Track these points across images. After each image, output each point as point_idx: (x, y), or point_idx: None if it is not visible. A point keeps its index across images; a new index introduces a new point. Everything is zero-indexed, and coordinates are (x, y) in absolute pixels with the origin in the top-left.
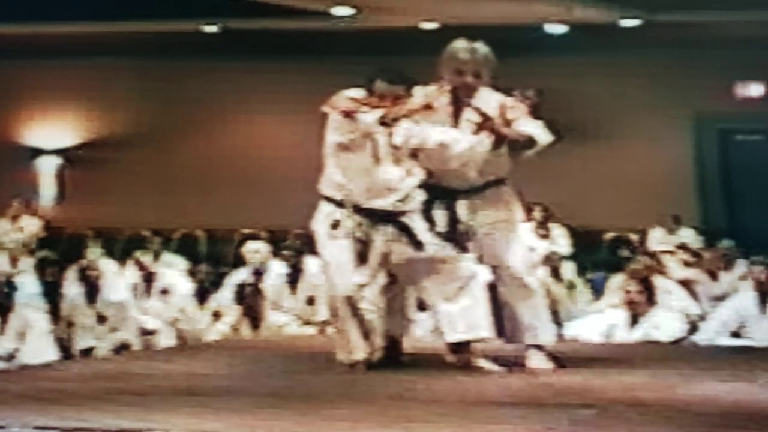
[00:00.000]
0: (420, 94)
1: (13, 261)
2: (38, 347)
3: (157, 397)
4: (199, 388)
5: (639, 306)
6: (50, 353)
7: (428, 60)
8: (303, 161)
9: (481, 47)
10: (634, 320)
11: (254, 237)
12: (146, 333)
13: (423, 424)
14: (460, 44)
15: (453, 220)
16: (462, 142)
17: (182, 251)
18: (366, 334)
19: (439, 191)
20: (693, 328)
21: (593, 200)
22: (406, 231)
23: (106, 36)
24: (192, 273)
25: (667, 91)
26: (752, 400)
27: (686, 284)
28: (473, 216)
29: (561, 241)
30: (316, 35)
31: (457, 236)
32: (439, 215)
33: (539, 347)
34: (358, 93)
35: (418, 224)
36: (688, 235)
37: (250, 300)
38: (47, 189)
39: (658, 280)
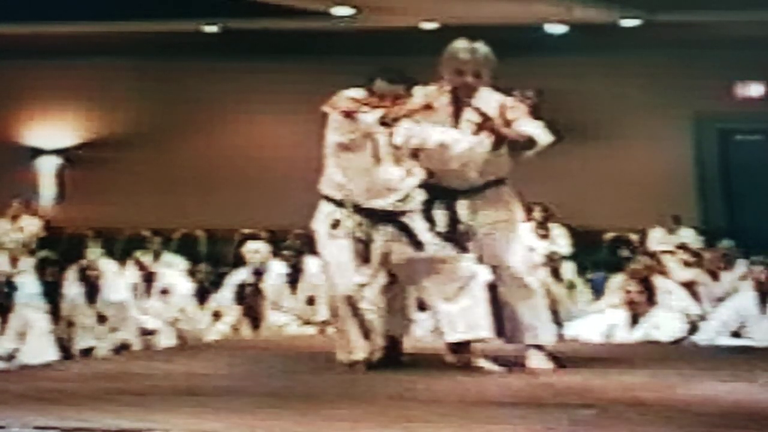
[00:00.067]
0: (420, 94)
1: (13, 261)
2: (38, 347)
3: (157, 397)
4: (199, 388)
5: (639, 306)
6: (50, 353)
7: (428, 60)
8: (303, 161)
9: (482, 47)
10: (634, 320)
11: (254, 237)
12: (146, 333)
13: (423, 424)
14: (460, 44)
15: (453, 220)
16: (462, 143)
17: (182, 251)
18: (366, 334)
19: (440, 191)
20: (693, 328)
21: (593, 200)
22: (407, 231)
23: (106, 36)
24: (192, 273)
25: (667, 91)
26: (752, 400)
27: (688, 285)
28: (473, 216)
29: (561, 241)
30: (316, 35)
31: (457, 236)
32: (439, 215)
33: (539, 347)
34: (358, 93)
35: (418, 224)
36: (688, 235)
37: (250, 300)
38: (47, 189)
39: (658, 280)
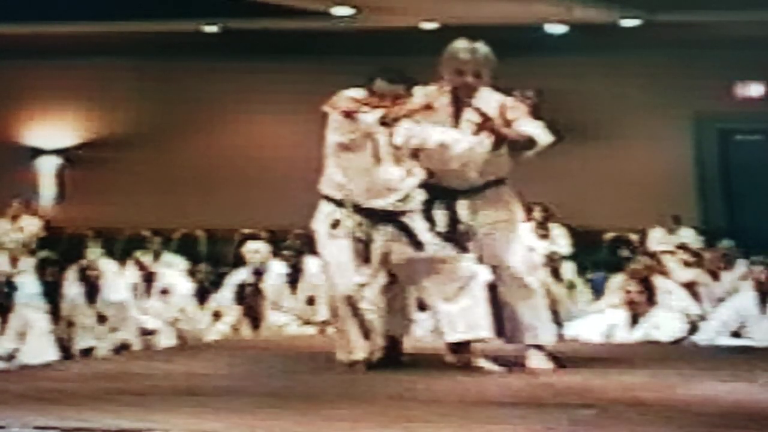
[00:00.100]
0: (420, 94)
1: (13, 261)
2: (38, 347)
3: (157, 397)
4: (199, 388)
5: (639, 306)
6: (50, 353)
7: (428, 60)
8: (303, 161)
9: (482, 47)
10: (634, 320)
11: (254, 237)
12: (146, 333)
13: (423, 424)
14: (460, 44)
15: (453, 220)
16: (462, 143)
17: (182, 251)
18: (366, 334)
19: (440, 191)
20: (693, 328)
21: (593, 200)
22: (407, 231)
23: (106, 36)
24: (192, 273)
25: (667, 91)
26: (752, 400)
27: (688, 285)
28: (473, 216)
29: (561, 241)
30: (316, 35)
31: (457, 236)
32: (440, 215)
33: (539, 347)
34: (358, 93)
35: (418, 224)
36: (688, 235)
37: (250, 300)
38: (47, 189)
39: (658, 280)
